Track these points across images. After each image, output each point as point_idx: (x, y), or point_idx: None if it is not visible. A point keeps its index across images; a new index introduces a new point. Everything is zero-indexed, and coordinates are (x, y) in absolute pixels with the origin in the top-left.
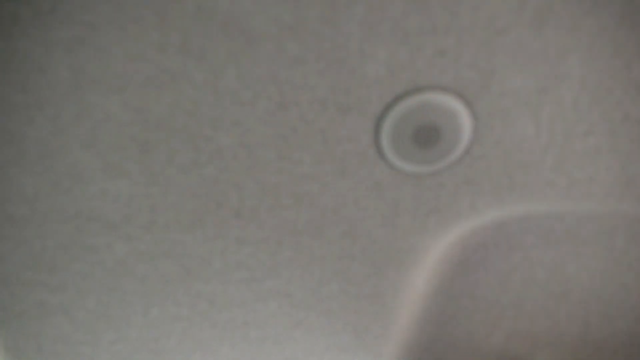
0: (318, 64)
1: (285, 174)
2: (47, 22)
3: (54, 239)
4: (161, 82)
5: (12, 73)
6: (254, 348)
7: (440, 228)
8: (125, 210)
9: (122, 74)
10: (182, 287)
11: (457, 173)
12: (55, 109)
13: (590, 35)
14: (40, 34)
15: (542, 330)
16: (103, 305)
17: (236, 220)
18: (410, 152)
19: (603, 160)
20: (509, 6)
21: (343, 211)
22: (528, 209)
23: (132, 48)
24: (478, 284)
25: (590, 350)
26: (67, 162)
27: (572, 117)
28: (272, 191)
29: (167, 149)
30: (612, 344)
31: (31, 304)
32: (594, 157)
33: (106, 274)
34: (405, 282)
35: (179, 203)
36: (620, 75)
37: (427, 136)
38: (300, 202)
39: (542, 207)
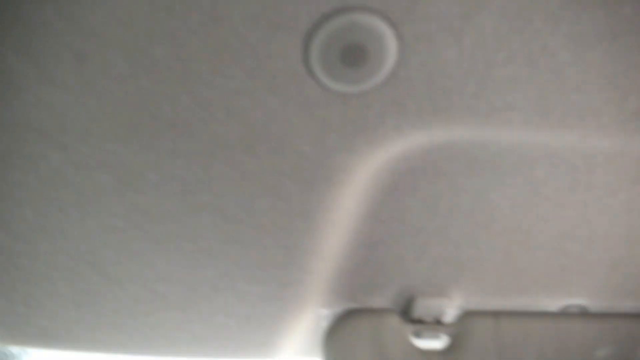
0: None
1: (218, 88)
2: None
3: None
4: None
5: None
6: (187, 261)
7: (367, 147)
8: (60, 120)
9: None
10: (116, 198)
11: (384, 94)
12: None
13: None
14: None
15: (466, 257)
16: (40, 216)
17: (170, 132)
18: (338, 71)
19: (522, 88)
20: None
21: (273, 127)
22: (452, 135)
23: None
24: (406, 209)
25: (510, 279)
26: (0, 69)
27: (492, 44)
28: (205, 104)
29: (103, 59)
30: (531, 273)
31: None
32: (513, 86)
33: (42, 184)
34: (334, 201)
35: (114, 114)
36: (538, 4)
37: (354, 56)
38: (232, 117)
39: (465, 134)
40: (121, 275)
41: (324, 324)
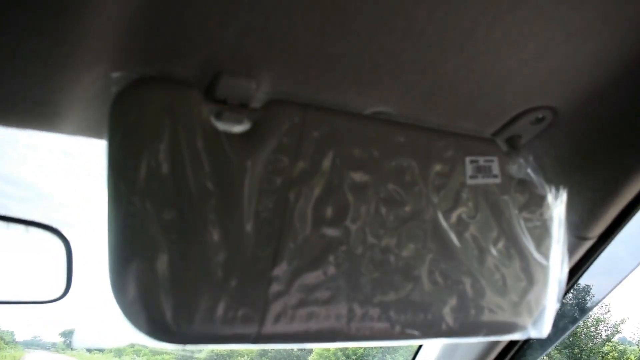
0: None
1: None
2: None
3: None
4: None
5: None
6: None
7: None
8: None
9: None
10: None
11: None
12: None
13: None
14: None
15: (278, 32)
16: None
17: None
18: None
19: None
20: None
21: None
22: None
23: None
24: None
25: (323, 68)
26: None
27: None
28: None
29: None
30: (345, 65)
31: None
32: None
33: None
34: None
35: None
36: None
37: None
38: None
39: None
40: None
41: (113, 90)
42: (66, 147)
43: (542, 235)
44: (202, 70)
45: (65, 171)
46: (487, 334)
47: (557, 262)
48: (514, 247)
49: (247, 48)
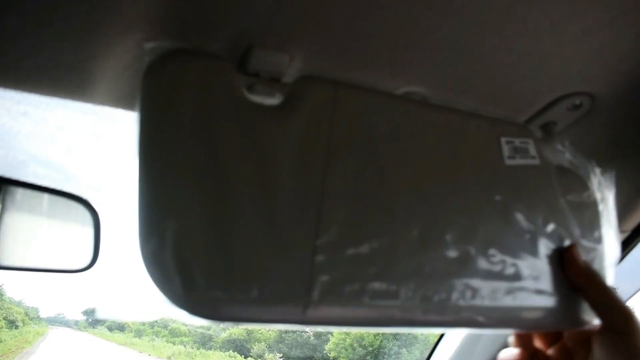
0: None
1: None
2: None
3: None
4: None
5: None
6: None
7: None
8: None
9: None
10: None
11: None
12: None
13: None
14: None
15: (312, 3)
16: None
17: None
18: None
19: None
20: None
21: None
22: None
23: None
24: None
25: (356, 46)
26: None
27: None
28: None
29: None
30: (377, 43)
31: None
32: None
33: None
34: None
35: None
36: None
37: None
38: None
39: None
40: None
41: (146, 61)
42: (96, 129)
43: (586, 222)
44: (235, 43)
45: (94, 153)
46: (528, 325)
47: (603, 250)
48: (556, 233)
49: (280, 21)
